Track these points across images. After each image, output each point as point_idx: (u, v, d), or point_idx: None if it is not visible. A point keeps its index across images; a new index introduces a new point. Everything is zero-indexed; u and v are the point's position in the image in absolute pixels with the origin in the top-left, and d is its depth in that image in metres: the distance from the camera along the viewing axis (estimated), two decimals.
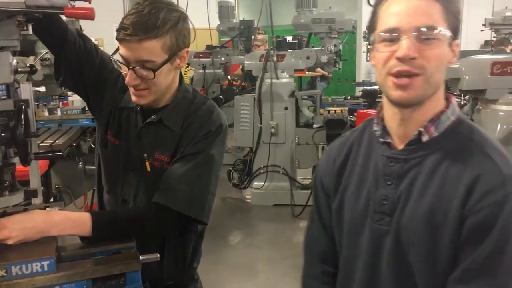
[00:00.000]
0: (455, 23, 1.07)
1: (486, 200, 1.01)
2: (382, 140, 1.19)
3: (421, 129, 1.12)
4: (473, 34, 10.80)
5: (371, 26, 1.13)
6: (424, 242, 1.08)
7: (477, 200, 1.02)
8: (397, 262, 1.12)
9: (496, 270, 1.02)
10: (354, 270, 1.22)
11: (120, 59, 1.48)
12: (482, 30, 6.73)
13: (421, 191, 1.09)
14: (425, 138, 1.12)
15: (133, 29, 1.39)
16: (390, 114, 1.16)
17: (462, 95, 5.20)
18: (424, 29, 1.03)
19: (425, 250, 1.08)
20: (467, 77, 3.13)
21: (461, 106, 5.41)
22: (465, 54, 4.01)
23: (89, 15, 1.17)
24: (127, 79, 1.48)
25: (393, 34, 1.05)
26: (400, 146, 1.16)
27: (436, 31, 1.04)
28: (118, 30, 1.43)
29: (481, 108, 3.28)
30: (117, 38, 1.46)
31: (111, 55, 1.53)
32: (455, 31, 1.08)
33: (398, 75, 1.05)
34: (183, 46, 1.51)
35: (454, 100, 1.17)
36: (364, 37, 8.39)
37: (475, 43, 10.14)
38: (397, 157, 1.14)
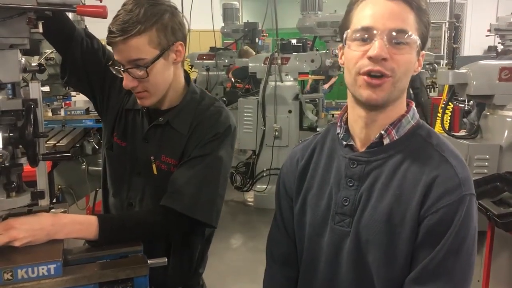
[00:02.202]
0: (424, 34, 1.09)
1: (442, 202, 1.04)
2: (344, 142, 1.20)
3: (382, 132, 1.14)
4: (477, 40, 10.82)
5: (344, 25, 1.14)
6: (383, 242, 1.10)
7: (434, 201, 1.05)
8: (356, 262, 1.14)
9: (453, 270, 1.05)
10: (315, 271, 1.23)
11: (117, 67, 1.47)
12: (487, 36, 6.72)
13: (381, 192, 1.11)
14: (386, 140, 1.14)
15: (117, 30, 1.38)
16: (355, 117, 1.17)
17: (466, 100, 5.19)
18: (396, 33, 1.05)
19: (383, 250, 1.10)
20: (474, 83, 3.11)
21: (466, 112, 5.41)
22: (469, 60, 4.00)
23: (101, 14, 1.15)
24: (124, 83, 1.46)
25: (366, 34, 1.06)
26: (362, 149, 1.18)
27: (408, 36, 1.06)
28: (107, 36, 1.42)
29: (488, 113, 3.25)
30: (107, 44, 1.44)
31: (108, 63, 1.50)
32: (424, 42, 1.10)
33: (369, 74, 1.06)
34: (175, 40, 1.47)
35: (413, 105, 1.20)
36: None
37: (479, 49, 10.14)
38: (359, 159, 1.16)
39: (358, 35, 1.08)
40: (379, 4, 1.07)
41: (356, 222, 1.13)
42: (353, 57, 1.09)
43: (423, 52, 1.13)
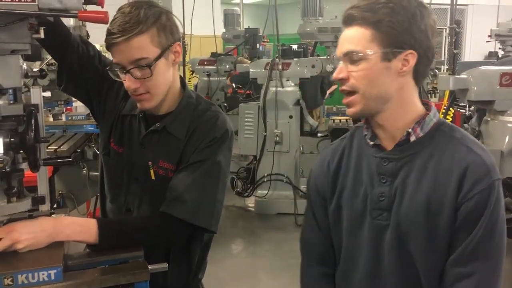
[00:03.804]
0: (392, 39, 1.17)
1: (476, 189, 1.15)
2: (372, 142, 1.30)
3: (409, 130, 1.24)
4: (477, 46, 10.83)
5: None
6: (423, 230, 1.20)
7: (468, 189, 1.16)
8: (398, 252, 1.24)
9: (489, 250, 1.17)
10: (355, 264, 1.32)
11: (116, 69, 1.47)
12: (487, 41, 6.73)
13: (415, 185, 1.21)
14: (412, 138, 1.24)
15: (118, 30, 1.39)
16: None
17: (467, 106, 5.19)
18: (348, 54, 1.20)
19: (423, 238, 1.20)
20: (475, 88, 3.11)
21: (468, 118, 5.40)
22: (469, 65, 4.00)
23: (103, 19, 1.15)
24: (126, 84, 1.46)
25: (338, 62, 1.25)
26: (389, 147, 1.27)
27: (356, 54, 1.19)
28: (106, 39, 1.43)
29: (489, 119, 3.25)
30: (107, 47, 1.45)
31: (106, 68, 1.50)
32: (399, 45, 1.18)
33: (343, 93, 1.24)
34: (173, 40, 1.48)
35: (434, 105, 1.31)
36: None
37: (479, 55, 10.16)
38: (390, 157, 1.26)
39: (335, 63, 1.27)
40: (343, 33, 1.24)
41: (395, 215, 1.23)
42: None
43: (405, 52, 1.18)
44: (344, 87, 1.23)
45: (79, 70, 1.58)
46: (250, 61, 6.35)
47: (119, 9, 1.44)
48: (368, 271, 1.29)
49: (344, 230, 1.34)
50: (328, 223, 1.39)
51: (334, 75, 1.23)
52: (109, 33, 1.41)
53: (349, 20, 1.21)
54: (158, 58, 1.43)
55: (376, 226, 1.26)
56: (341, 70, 1.22)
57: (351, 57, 1.20)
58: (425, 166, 1.22)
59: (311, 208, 1.43)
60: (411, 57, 1.19)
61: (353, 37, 1.20)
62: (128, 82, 1.45)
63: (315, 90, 5.33)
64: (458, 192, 1.17)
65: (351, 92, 1.22)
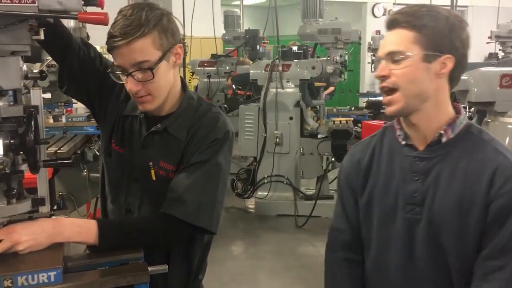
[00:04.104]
0: (433, 43, 1.28)
1: (505, 188, 1.25)
2: (404, 142, 1.40)
3: (441, 132, 1.33)
4: (477, 47, 10.81)
5: None
6: (454, 225, 1.29)
7: (499, 188, 1.25)
8: (430, 244, 1.33)
9: None
10: (387, 256, 1.42)
11: (117, 72, 1.47)
12: (488, 43, 6.73)
13: (447, 184, 1.31)
14: (444, 139, 1.34)
15: (120, 33, 1.39)
16: (405, 122, 1.40)
17: (468, 107, 5.18)
18: (391, 54, 1.30)
19: (455, 232, 1.29)
20: (475, 89, 3.10)
21: (469, 119, 5.39)
22: (469, 66, 3.97)
23: (103, 20, 1.15)
24: (128, 87, 1.46)
25: (379, 61, 1.35)
26: (420, 147, 1.37)
27: (399, 53, 1.29)
28: (107, 41, 1.43)
29: (489, 120, 3.24)
30: (108, 50, 1.44)
31: (108, 71, 1.51)
32: (438, 49, 1.28)
33: (382, 91, 1.34)
34: (174, 42, 1.49)
35: (463, 108, 1.43)
36: (368, 48, 8.40)
37: (479, 56, 10.14)
38: (422, 156, 1.36)
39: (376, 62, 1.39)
40: (386, 35, 1.35)
41: (428, 210, 1.33)
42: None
43: (444, 56, 1.29)
44: (384, 84, 1.31)
45: (80, 72, 1.59)
46: (252, 62, 6.35)
47: (120, 12, 1.43)
48: (401, 262, 1.38)
49: (375, 223, 1.44)
50: (357, 215, 1.50)
51: (377, 73, 1.32)
52: (111, 36, 1.41)
53: (393, 24, 1.32)
54: (159, 60, 1.44)
55: (409, 220, 1.36)
56: (383, 68, 1.31)
57: (393, 57, 1.29)
58: (456, 166, 1.31)
59: (341, 200, 1.55)
60: (449, 61, 1.29)
61: (396, 39, 1.31)
62: (129, 84, 1.45)
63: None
64: (489, 190, 1.26)
65: (391, 91, 1.31)
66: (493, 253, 1.26)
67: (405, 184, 1.37)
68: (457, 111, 1.37)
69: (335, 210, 1.59)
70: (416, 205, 1.35)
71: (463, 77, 3.20)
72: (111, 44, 1.41)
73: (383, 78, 1.31)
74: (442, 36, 1.29)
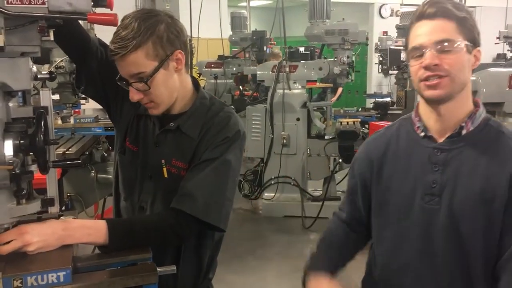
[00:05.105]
0: (471, 35, 1.33)
1: None
2: (423, 134, 1.41)
3: (463, 124, 1.36)
4: (485, 47, 10.76)
5: (405, 46, 1.42)
6: (477, 215, 1.31)
7: None
8: (450, 233, 1.35)
9: None
10: (405, 244, 1.43)
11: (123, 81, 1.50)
12: (496, 43, 6.69)
13: (469, 174, 1.33)
14: (464, 131, 1.36)
15: (115, 48, 1.42)
16: (428, 113, 1.41)
17: None
18: (441, 42, 1.30)
19: (477, 221, 1.31)
20: (484, 90, 3.09)
21: None
22: (478, 67, 3.94)
23: (112, 21, 1.16)
24: (130, 96, 1.50)
25: (419, 50, 1.33)
26: (440, 139, 1.39)
27: (450, 42, 1.29)
28: (108, 54, 1.46)
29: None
30: (111, 61, 1.48)
31: (116, 79, 1.53)
32: (473, 41, 1.33)
33: (428, 79, 1.31)
34: (173, 48, 1.49)
35: (481, 102, 1.43)
36: (376, 49, 8.37)
37: (488, 56, 10.09)
38: (442, 148, 1.38)
39: (413, 52, 1.35)
40: (425, 24, 1.33)
41: (449, 200, 1.34)
42: (414, 70, 1.35)
43: (478, 48, 1.35)
44: (437, 72, 1.30)
45: (98, 73, 1.61)
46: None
47: (122, 19, 1.44)
48: (419, 249, 1.40)
49: (391, 213, 1.46)
50: (364, 204, 1.54)
51: (428, 61, 1.29)
52: (109, 49, 1.45)
53: (431, 15, 1.32)
54: (155, 71, 1.45)
55: (428, 210, 1.37)
56: (433, 56, 1.29)
57: (443, 45, 1.29)
58: (477, 158, 1.33)
59: (351, 189, 1.59)
60: (479, 54, 1.35)
61: (443, 28, 1.31)
62: (131, 93, 1.49)
63: None
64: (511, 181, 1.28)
65: (440, 78, 1.30)
66: None
67: (424, 175, 1.39)
68: (476, 105, 1.40)
69: (345, 195, 1.65)
70: (435, 195, 1.37)
71: (472, 77, 3.19)
72: (110, 57, 1.46)
73: (435, 67, 1.30)
74: (475, 29, 1.34)
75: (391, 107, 6.48)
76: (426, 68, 1.31)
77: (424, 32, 1.33)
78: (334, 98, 6.61)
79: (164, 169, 1.57)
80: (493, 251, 1.32)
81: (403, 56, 6.34)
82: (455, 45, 1.30)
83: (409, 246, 1.42)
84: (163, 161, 1.57)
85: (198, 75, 6.92)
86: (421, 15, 1.34)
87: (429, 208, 1.38)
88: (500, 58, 8.63)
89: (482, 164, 1.33)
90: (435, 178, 1.37)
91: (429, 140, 1.41)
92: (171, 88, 1.53)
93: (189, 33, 5.16)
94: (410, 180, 1.42)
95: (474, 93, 3.07)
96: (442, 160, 1.37)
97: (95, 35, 2.63)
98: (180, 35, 1.51)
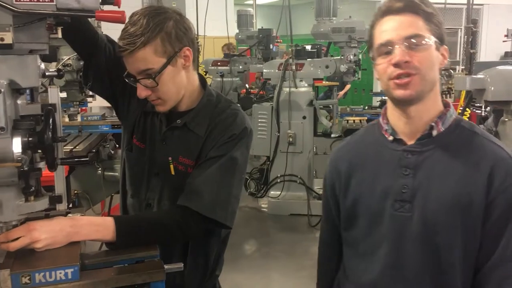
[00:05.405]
0: (438, 32, 1.26)
1: (509, 180, 1.19)
2: (392, 137, 1.33)
3: (433, 124, 1.28)
4: (493, 46, 10.69)
5: (370, 45, 1.33)
6: (452, 223, 1.22)
7: (500, 182, 1.19)
8: (423, 244, 1.25)
9: None
10: (375, 256, 1.33)
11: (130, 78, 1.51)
12: (504, 41, 6.64)
13: (442, 178, 1.24)
14: (434, 132, 1.28)
15: (123, 44, 1.42)
16: (396, 115, 1.32)
17: (483, 107, 5.12)
18: (410, 38, 1.22)
19: (454, 230, 1.22)
20: (492, 88, 3.06)
21: (484, 118, 5.34)
22: (485, 65, 3.93)
23: (120, 19, 1.16)
24: (137, 92, 1.50)
25: (387, 47, 1.24)
26: (410, 141, 1.31)
27: (420, 38, 1.22)
28: (116, 50, 1.47)
29: (506, 120, 3.19)
30: (119, 57, 1.49)
31: (124, 75, 1.53)
32: (441, 38, 1.26)
33: (398, 77, 1.23)
34: (181, 45, 1.48)
35: (451, 104, 1.36)
36: None
37: (495, 55, 10.04)
38: (413, 150, 1.29)
39: (381, 49, 1.26)
40: (391, 20, 1.25)
41: (421, 206, 1.25)
42: (382, 68, 1.26)
43: (445, 46, 1.28)
44: (408, 70, 1.22)
45: (105, 69, 1.61)
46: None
47: (130, 16, 1.45)
48: (390, 263, 1.30)
49: (361, 223, 1.36)
50: (338, 217, 1.45)
51: (399, 57, 1.21)
52: (118, 45, 1.45)
53: (399, 8, 1.24)
54: (163, 67, 1.46)
55: (398, 218, 1.28)
56: (404, 53, 1.21)
57: (412, 42, 1.22)
58: (451, 160, 1.25)
59: (325, 206, 1.51)
60: (446, 53, 1.28)
61: (412, 23, 1.23)
62: (139, 90, 1.49)
63: None
64: (489, 185, 1.20)
65: (406, 76, 1.23)
66: (504, 256, 1.19)
67: (394, 180, 1.29)
68: (446, 105, 1.33)
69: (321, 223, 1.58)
70: (406, 201, 1.27)
71: (480, 75, 3.18)
72: (118, 54, 1.46)
73: (406, 64, 1.21)
74: (442, 26, 1.27)
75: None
76: (396, 65, 1.22)
77: (392, 28, 1.24)
78: (341, 93, 6.61)
79: (171, 166, 1.57)
80: (471, 264, 1.23)
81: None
82: (424, 41, 1.22)
83: (379, 260, 1.31)
84: (170, 158, 1.58)
85: (204, 73, 6.93)
86: (387, 9, 1.26)
87: (400, 216, 1.27)
88: (508, 56, 8.57)
89: (455, 166, 1.24)
90: (406, 182, 1.27)
91: (398, 143, 1.32)
92: (179, 85, 1.53)
93: (195, 31, 5.17)
94: (380, 189, 1.31)
95: (482, 91, 3.08)
96: (413, 163, 1.28)
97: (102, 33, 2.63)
98: (188, 32, 1.51)
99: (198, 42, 5.22)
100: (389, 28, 1.25)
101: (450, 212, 1.22)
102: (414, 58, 1.21)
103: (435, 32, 1.25)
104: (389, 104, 1.35)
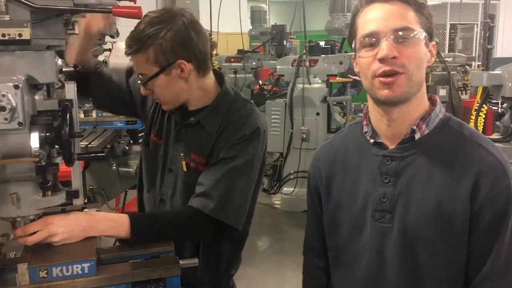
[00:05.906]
0: (428, 25, 1.13)
1: (495, 189, 1.07)
2: (373, 140, 1.22)
3: (414, 127, 1.16)
4: (509, 41, 10.54)
5: (351, 35, 1.19)
6: (434, 235, 1.11)
7: (488, 190, 1.07)
8: (404, 257, 1.15)
9: None
10: (356, 268, 1.24)
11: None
12: None
13: (424, 186, 1.13)
14: (417, 135, 1.16)
15: (126, 45, 1.49)
16: (378, 117, 1.20)
17: (501, 103, 5.05)
18: (400, 31, 1.09)
19: (436, 243, 1.11)
20: (510, 84, 3.04)
21: (500, 115, 5.27)
22: (501, 61, 3.88)
23: (137, 14, 1.16)
24: (140, 91, 1.58)
25: (373, 39, 1.11)
26: (392, 145, 1.19)
27: (411, 31, 1.09)
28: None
29: None
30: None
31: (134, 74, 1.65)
32: (430, 33, 1.13)
33: (384, 75, 1.10)
34: (176, 58, 1.48)
35: (438, 98, 1.23)
36: None
37: None
38: (393, 155, 1.18)
39: (365, 41, 1.12)
40: (378, 8, 1.11)
41: (401, 218, 1.15)
42: (365, 62, 1.13)
43: (433, 43, 1.15)
44: (391, 68, 1.09)
45: (108, 100, 1.78)
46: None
47: (144, 16, 1.48)
48: (370, 276, 1.21)
49: (343, 233, 1.27)
50: (322, 221, 1.35)
51: (386, 52, 1.07)
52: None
53: None
54: (154, 76, 1.49)
55: (379, 229, 1.18)
56: (392, 47, 1.08)
57: (400, 35, 1.08)
58: (433, 166, 1.13)
59: (311, 212, 1.42)
60: (434, 50, 1.16)
61: (402, 14, 1.10)
62: (141, 88, 1.56)
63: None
64: (474, 194, 1.08)
65: (393, 74, 1.10)
66: (494, 269, 1.09)
67: (374, 188, 1.19)
68: (433, 103, 1.20)
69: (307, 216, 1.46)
70: (386, 211, 1.16)
71: (497, 71, 3.14)
72: (125, 54, 1.54)
73: (392, 60, 1.08)
74: (432, 20, 1.13)
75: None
76: (382, 61, 1.08)
77: (379, 17, 1.10)
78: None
79: (183, 162, 1.59)
80: (460, 277, 1.12)
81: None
82: (412, 35, 1.09)
83: (360, 271, 1.22)
84: (182, 154, 1.60)
85: (218, 70, 6.93)
86: None
87: (380, 226, 1.17)
88: None
89: (439, 173, 1.12)
90: (386, 191, 1.17)
91: (379, 147, 1.20)
92: (176, 91, 1.55)
93: (208, 28, 5.17)
94: (361, 195, 1.21)
95: (499, 87, 3.04)
96: (393, 170, 1.16)
97: (117, 30, 2.65)
98: (189, 44, 1.48)
99: (212, 38, 5.25)
100: (376, 18, 1.11)
101: (432, 223, 1.11)
102: (402, 54, 1.08)
103: (425, 25, 1.12)
104: (370, 103, 1.22)
